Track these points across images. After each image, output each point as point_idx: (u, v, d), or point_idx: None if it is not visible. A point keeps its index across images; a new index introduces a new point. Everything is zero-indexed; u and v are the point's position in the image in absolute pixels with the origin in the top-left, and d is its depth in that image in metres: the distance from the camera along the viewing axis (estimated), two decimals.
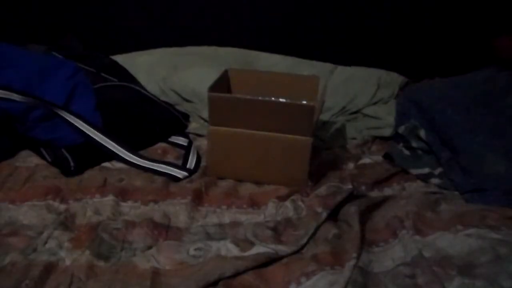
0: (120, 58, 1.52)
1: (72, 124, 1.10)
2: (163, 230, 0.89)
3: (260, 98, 0.97)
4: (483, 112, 1.14)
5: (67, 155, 1.08)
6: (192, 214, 0.94)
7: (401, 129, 1.25)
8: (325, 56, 1.59)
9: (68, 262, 0.78)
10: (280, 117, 0.98)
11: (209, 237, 0.88)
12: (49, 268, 0.76)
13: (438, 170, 1.12)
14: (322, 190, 1.01)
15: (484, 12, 1.52)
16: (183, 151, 1.20)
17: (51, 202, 0.96)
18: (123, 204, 0.97)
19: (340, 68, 1.57)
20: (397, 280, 0.77)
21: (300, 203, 0.99)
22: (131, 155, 1.13)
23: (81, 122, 1.11)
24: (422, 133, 1.19)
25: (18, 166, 1.08)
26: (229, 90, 1.21)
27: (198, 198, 1.00)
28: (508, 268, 0.77)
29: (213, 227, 0.91)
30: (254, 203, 0.99)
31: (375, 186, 1.07)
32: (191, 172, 1.10)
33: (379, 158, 1.20)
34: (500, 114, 1.13)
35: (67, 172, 1.06)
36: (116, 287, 0.74)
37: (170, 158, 1.18)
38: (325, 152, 1.22)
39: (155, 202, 0.98)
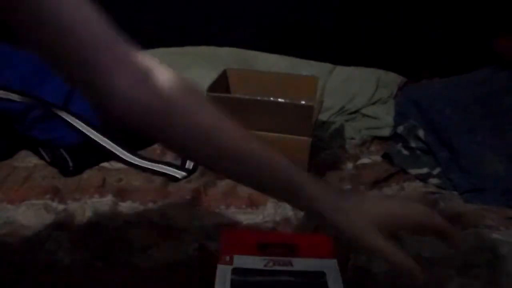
0: None
1: (71, 124, 1.10)
2: (162, 230, 0.89)
3: (259, 98, 0.97)
4: (483, 112, 1.14)
5: (65, 155, 1.08)
6: (191, 214, 0.94)
7: (400, 129, 1.25)
8: (324, 56, 1.59)
9: (67, 262, 0.78)
10: (279, 117, 0.98)
11: (208, 237, 0.87)
12: (48, 268, 0.76)
13: (437, 170, 1.12)
14: None
15: (484, 12, 1.52)
16: None
17: (49, 202, 0.95)
18: (122, 204, 0.96)
19: (338, 68, 1.57)
20: (397, 280, 0.77)
21: None
22: (130, 155, 1.13)
23: (80, 122, 1.11)
24: (421, 133, 1.19)
25: (17, 166, 1.08)
26: (227, 90, 1.20)
27: (197, 198, 0.99)
28: (507, 268, 0.77)
29: (212, 227, 0.91)
30: (253, 203, 0.99)
31: (374, 186, 1.07)
32: (190, 172, 1.10)
33: (378, 158, 1.20)
34: (499, 114, 1.13)
35: (65, 172, 1.06)
36: (116, 287, 0.74)
37: (169, 158, 1.18)
38: (324, 152, 1.22)
39: (154, 202, 0.98)
